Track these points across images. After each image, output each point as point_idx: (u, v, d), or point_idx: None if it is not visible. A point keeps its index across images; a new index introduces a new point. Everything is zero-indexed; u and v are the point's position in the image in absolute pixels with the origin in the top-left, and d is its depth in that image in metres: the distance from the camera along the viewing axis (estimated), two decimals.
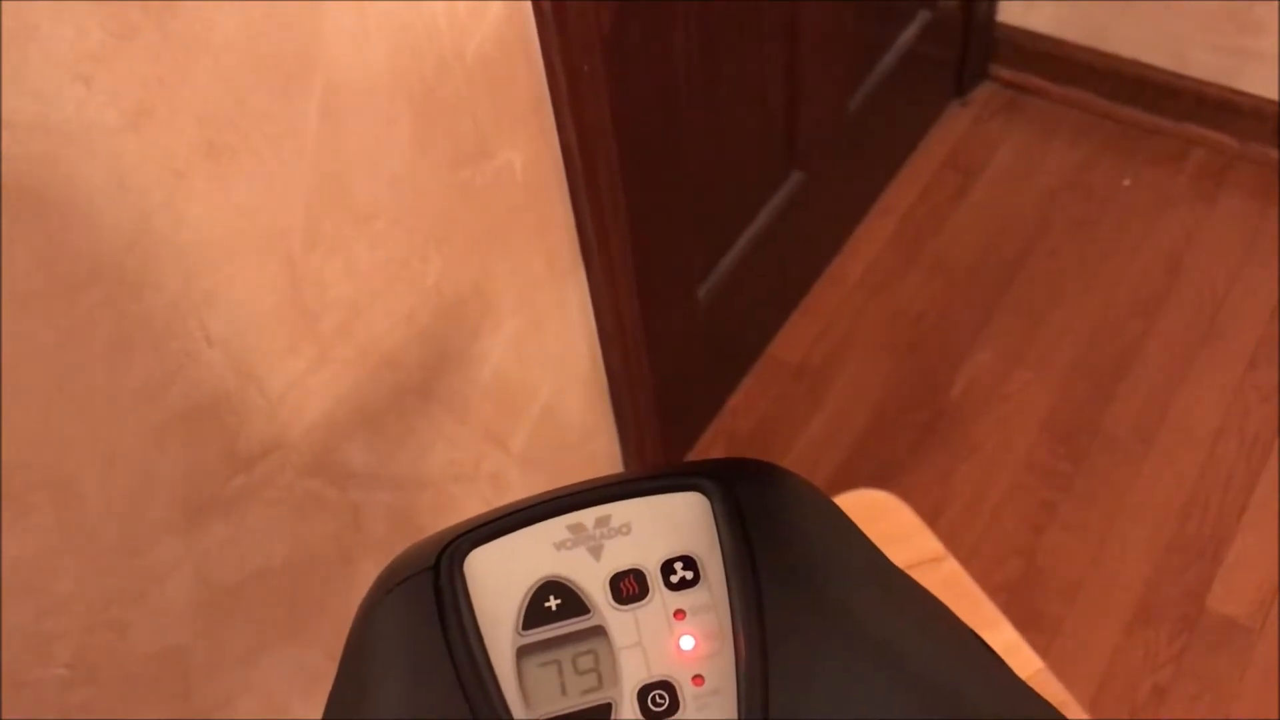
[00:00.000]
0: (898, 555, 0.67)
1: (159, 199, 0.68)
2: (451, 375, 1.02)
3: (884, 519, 0.68)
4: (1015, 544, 1.43)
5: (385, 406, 0.95)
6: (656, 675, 0.33)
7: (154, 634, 0.83)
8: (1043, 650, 1.35)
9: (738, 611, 0.33)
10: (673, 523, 0.35)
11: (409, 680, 0.34)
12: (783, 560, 0.35)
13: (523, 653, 0.33)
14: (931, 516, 1.46)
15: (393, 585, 0.36)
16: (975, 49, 1.84)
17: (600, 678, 0.33)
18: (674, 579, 0.34)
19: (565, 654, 0.33)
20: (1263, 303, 1.60)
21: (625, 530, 0.35)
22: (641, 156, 1.15)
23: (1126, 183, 1.76)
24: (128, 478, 0.75)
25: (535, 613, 0.34)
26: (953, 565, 0.65)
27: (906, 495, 1.48)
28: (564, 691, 0.33)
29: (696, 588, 0.34)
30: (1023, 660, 0.62)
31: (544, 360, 1.16)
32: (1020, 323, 1.62)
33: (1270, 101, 1.69)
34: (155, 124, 0.66)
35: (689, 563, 0.34)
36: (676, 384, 1.43)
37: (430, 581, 0.35)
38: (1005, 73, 1.89)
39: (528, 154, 0.99)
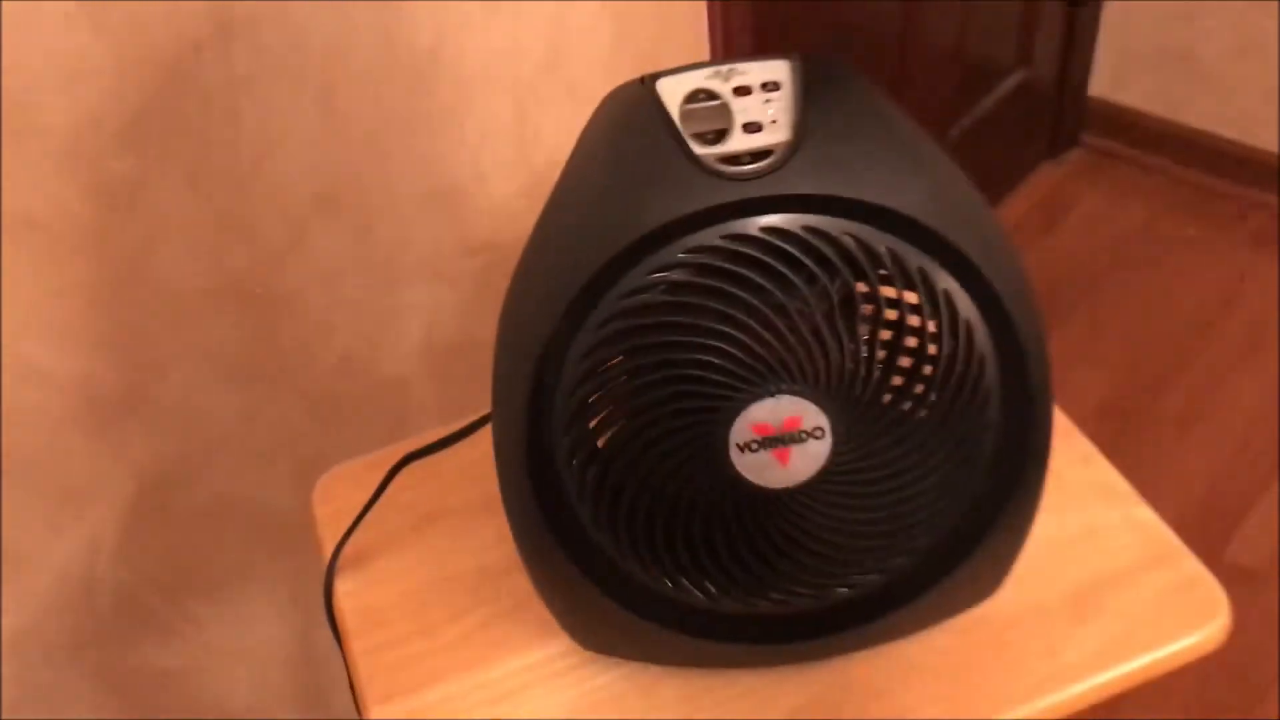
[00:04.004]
0: None
1: (452, 25, 1.04)
2: None
3: None
4: None
5: None
6: (751, 120, 0.63)
7: (392, 362, 1.15)
8: None
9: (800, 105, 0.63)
10: (772, 68, 0.66)
11: (622, 125, 0.65)
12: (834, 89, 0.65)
13: (685, 117, 0.64)
14: None
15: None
16: (1069, 117, 2.15)
17: (726, 121, 0.63)
18: (769, 86, 0.65)
19: (706, 115, 0.64)
20: None
21: (746, 72, 0.66)
22: None
23: (1192, 233, 2.02)
24: (400, 230, 1.09)
25: (692, 101, 0.65)
26: None
27: None
28: (703, 124, 0.63)
29: (780, 92, 0.64)
30: None
31: None
32: (1086, 332, 1.88)
33: None
34: None
35: (776, 86, 0.65)
36: None
37: (637, 87, 0.66)
38: (1095, 140, 2.19)
39: None
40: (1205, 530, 1.60)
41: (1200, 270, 1.96)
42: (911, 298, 0.62)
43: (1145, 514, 0.81)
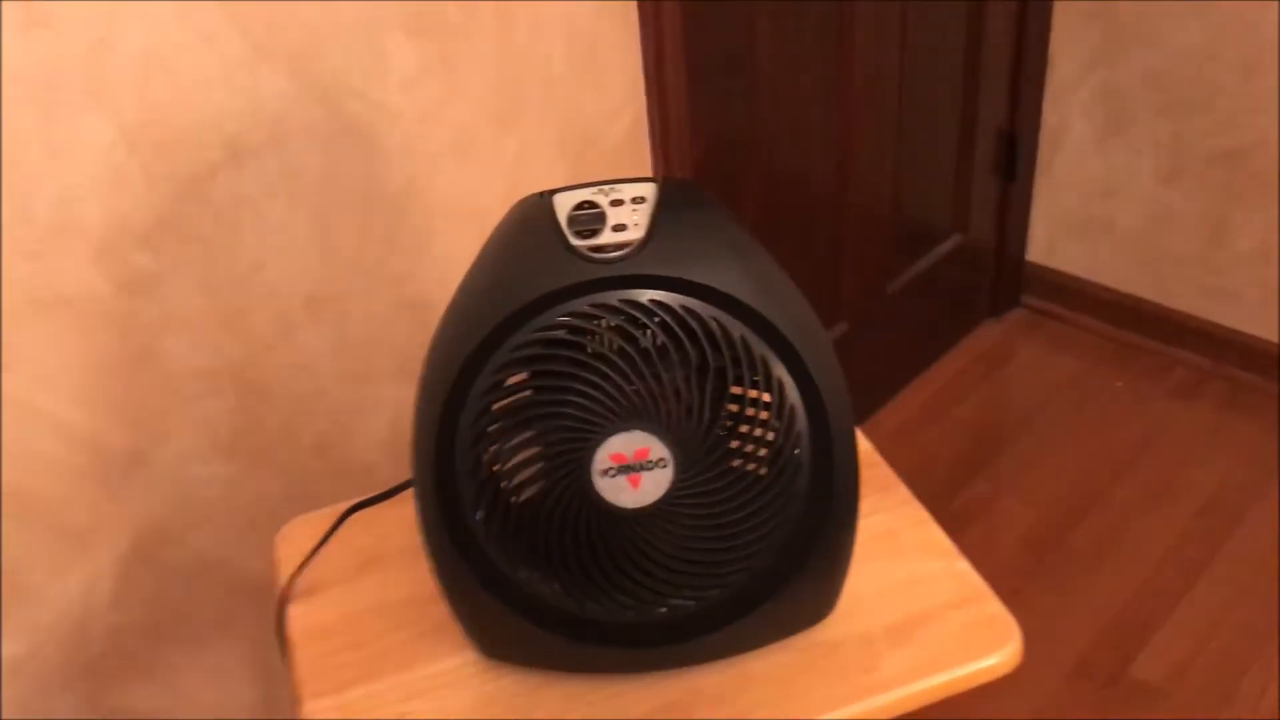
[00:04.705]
0: None
1: (424, 167, 1.26)
2: None
3: None
4: None
5: None
6: (619, 222, 0.83)
7: (362, 449, 1.33)
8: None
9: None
10: (641, 187, 0.86)
11: (522, 224, 0.85)
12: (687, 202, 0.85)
13: (571, 220, 0.84)
14: None
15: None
16: (1008, 279, 2.36)
17: (600, 224, 0.83)
18: (637, 200, 0.85)
19: (586, 219, 0.84)
20: (1213, 476, 1.99)
21: (622, 190, 0.86)
22: None
23: (1119, 384, 2.20)
24: (373, 333, 1.29)
25: (578, 209, 0.85)
26: None
27: None
28: (583, 225, 0.83)
29: (644, 204, 0.84)
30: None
31: None
32: (1016, 468, 2.04)
33: (1237, 331, 2.14)
34: (431, 123, 1.24)
35: (642, 199, 0.85)
36: None
37: (537, 199, 0.86)
38: (1035, 302, 2.39)
39: None
40: (1113, 648, 1.73)
41: (1123, 417, 2.13)
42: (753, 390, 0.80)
43: (963, 567, 0.97)
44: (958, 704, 1.60)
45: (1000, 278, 2.35)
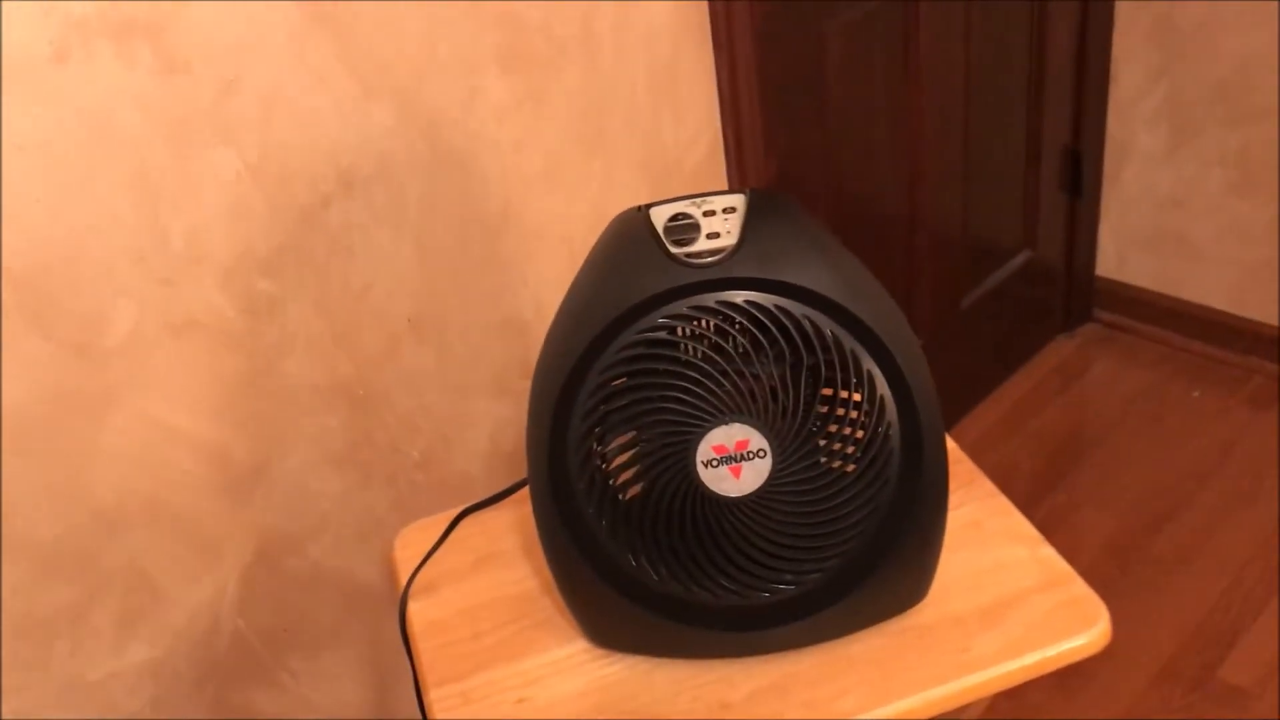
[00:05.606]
0: None
1: (517, 193, 1.33)
2: None
3: None
4: None
5: None
6: (712, 231, 0.89)
7: (462, 461, 1.40)
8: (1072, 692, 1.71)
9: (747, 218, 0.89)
10: (732, 198, 0.92)
11: (624, 235, 0.91)
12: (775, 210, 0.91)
13: (667, 230, 0.90)
14: None
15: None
16: (1078, 294, 2.38)
17: (695, 233, 0.89)
18: (728, 210, 0.91)
19: (682, 229, 0.90)
20: None
21: (713, 201, 0.92)
22: None
23: (1196, 394, 2.21)
24: (473, 351, 1.36)
25: (674, 220, 0.91)
26: None
27: None
28: (679, 234, 0.89)
29: (735, 213, 0.90)
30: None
31: None
32: (1094, 478, 2.06)
33: None
34: (524, 152, 1.32)
35: (733, 209, 0.91)
36: None
37: (635, 212, 0.93)
38: (1107, 316, 2.41)
39: None
40: (1199, 652, 1.74)
41: (1200, 427, 2.14)
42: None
43: (1048, 552, 1.01)
44: (1046, 707, 1.63)
45: (1071, 292, 2.38)
